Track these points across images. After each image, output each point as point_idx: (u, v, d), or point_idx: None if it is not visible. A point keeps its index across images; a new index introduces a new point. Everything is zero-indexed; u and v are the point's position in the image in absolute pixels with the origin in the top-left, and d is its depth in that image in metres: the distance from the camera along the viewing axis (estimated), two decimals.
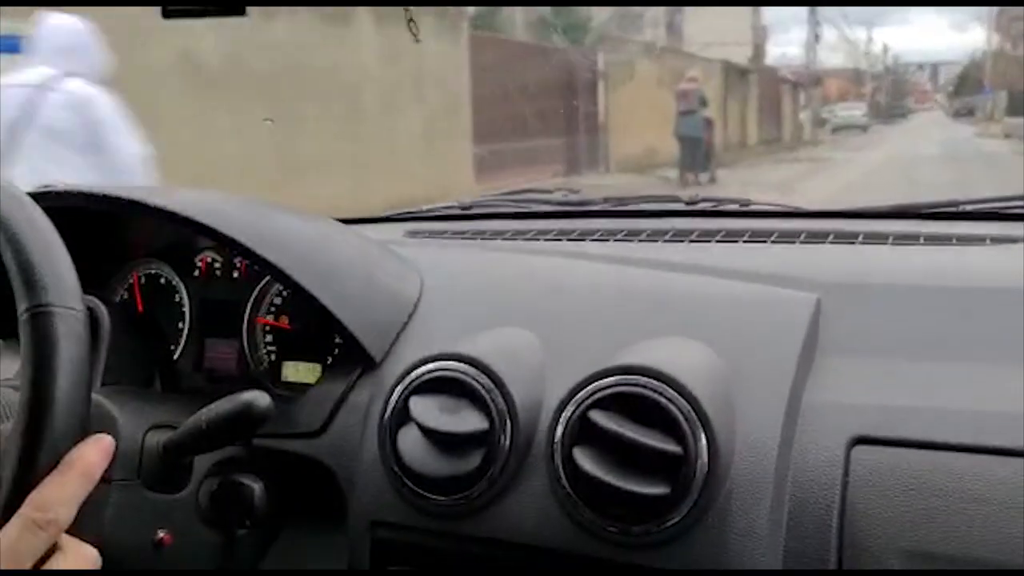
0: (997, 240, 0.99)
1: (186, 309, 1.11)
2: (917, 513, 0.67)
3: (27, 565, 0.51)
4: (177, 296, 1.13)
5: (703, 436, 0.69)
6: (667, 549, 0.70)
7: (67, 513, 0.55)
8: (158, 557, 0.82)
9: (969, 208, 1.13)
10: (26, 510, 0.53)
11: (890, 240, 1.03)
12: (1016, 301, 0.82)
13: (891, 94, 62.69)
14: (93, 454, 0.58)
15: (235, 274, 1.10)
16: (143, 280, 1.15)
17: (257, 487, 0.86)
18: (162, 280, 1.14)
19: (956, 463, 0.68)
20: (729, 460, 0.70)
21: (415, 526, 0.79)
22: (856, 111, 38.81)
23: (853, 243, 1.03)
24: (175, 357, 1.08)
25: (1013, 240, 0.99)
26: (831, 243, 1.04)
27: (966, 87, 54.25)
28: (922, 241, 1.01)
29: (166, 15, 0.96)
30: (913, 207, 1.17)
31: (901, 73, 71.41)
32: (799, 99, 33.64)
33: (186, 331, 1.11)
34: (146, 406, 0.87)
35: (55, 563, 0.55)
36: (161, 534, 0.84)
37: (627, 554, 0.71)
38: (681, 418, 0.69)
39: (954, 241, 1.01)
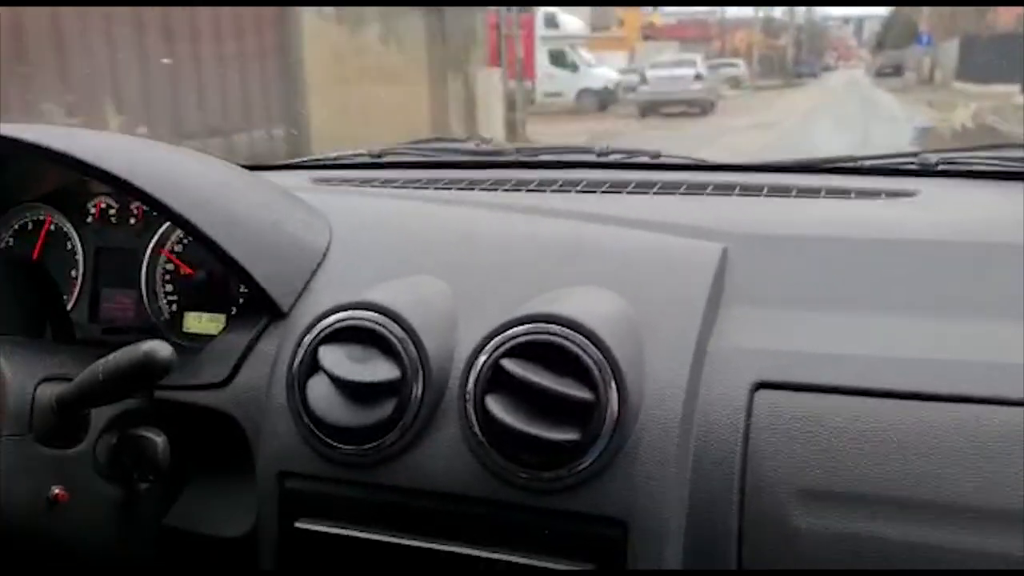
0: (891, 194, 1.04)
1: (79, 257, 1.06)
2: (814, 453, 0.70)
3: None
4: (69, 243, 1.07)
5: (613, 383, 0.70)
6: (577, 493, 0.71)
7: None
8: (53, 514, 0.78)
9: (867, 164, 1.17)
10: None
11: (793, 193, 1.06)
12: (907, 252, 0.86)
13: (807, 49, 56.47)
14: None
15: (132, 220, 1.05)
16: (30, 226, 1.08)
17: (160, 440, 0.83)
18: (52, 227, 1.08)
19: (852, 406, 0.71)
20: (638, 406, 0.72)
21: (325, 476, 0.78)
22: (732, 69, 29.52)
23: (758, 195, 1.06)
24: (69, 307, 1.03)
25: (906, 194, 1.03)
26: (737, 195, 1.07)
27: (893, 37, 43.55)
28: (823, 194, 1.05)
29: None
30: (814, 162, 1.21)
31: (819, 26, 63.94)
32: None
33: (80, 280, 1.06)
34: (37, 357, 0.83)
35: None
36: (56, 490, 0.80)
37: (539, 498, 0.72)
38: (592, 366, 0.70)
39: (852, 195, 1.04)
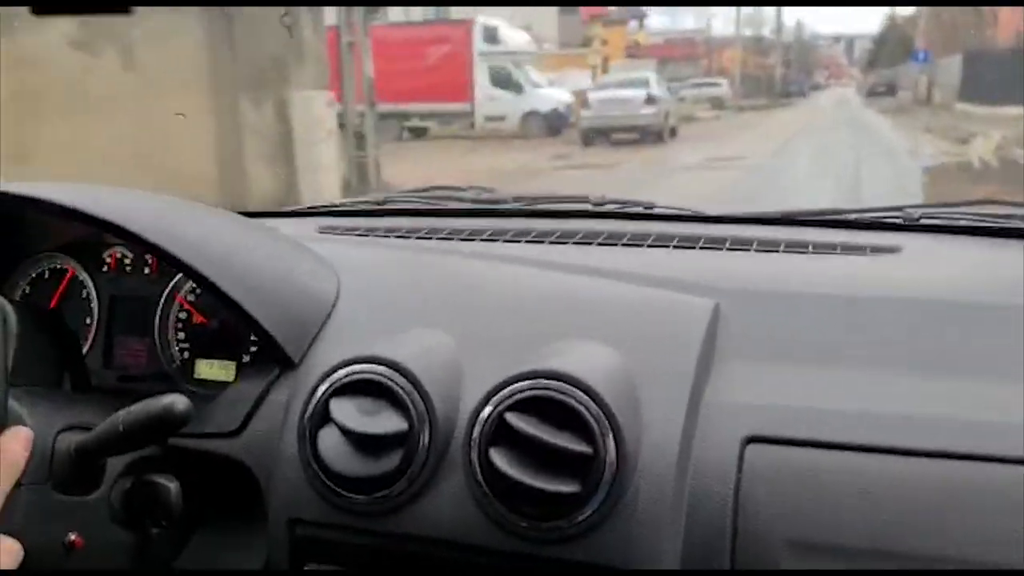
0: (877, 250, 1.08)
1: (95, 305, 1.09)
2: (803, 506, 0.73)
3: None
4: (84, 292, 1.10)
5: (611, 437, 0.74)
6: (577, 543, 0.75)
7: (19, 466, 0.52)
8: (69, 560, 0.81)
9: (852, 217, 1.22)
10: None
11: (781, 247, 1.10)
12: (893, 309, 0.90)
13: (797, 68, 53.79)
14: (15, 444, 0.55)
15: (146, 270, 1.09)
16: (47, 275, 1.12)
17: (173, 486, 0.86)
18: (68, 276, 1.11)
19: (840, 460, 0.75)
20: (635, 459, 0.76)
21: (334, 523, 0.81)
22: (714, 89, 29.61)
23: (748, 250, 1.10)
24: (84, 354, 1.06)
25: (891, 250, 1.08)
26: (728, 250, 1.11)
27: (886, 55, 41.85)
28: (810, 249, 1.09)
29: (37, 12, 0.92)
30: (801, 214, 1.26)
31: (808, 44, 61.48)
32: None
33: (94, 327, 1.09)
34: (56, 407, 0.86)
35: None
36: (72, 536, 0.83)
37: (540, 548, 0.75)
38: (591, 420, 0.74)
39: (839, 250, 1.09)
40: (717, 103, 28.82)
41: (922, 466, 0.73)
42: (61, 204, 0.87)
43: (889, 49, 42.40)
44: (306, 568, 0.82)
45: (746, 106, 31.19)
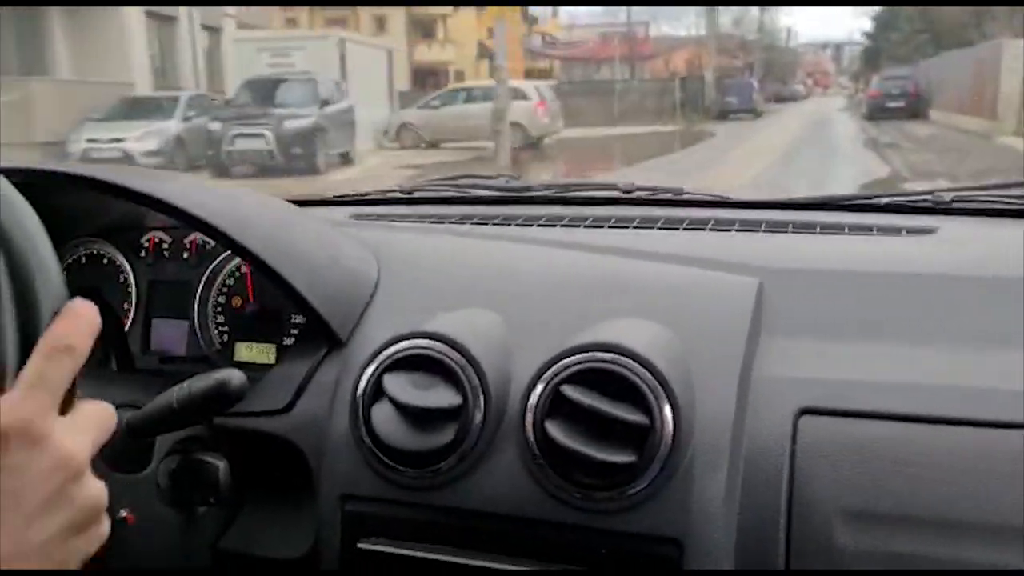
0: (912, 231, 1.09)
1: (132, 289, 1.10)
2: (857, 476, 0.74)
3: (59, 393, 0.49)
4: (122, 276, 1.11)
5: (668, 408, 0.74)
6: (632, 513, 0.75)
7: (83, 343, 0.51)
8: (121, 535, 0.81)
9: (883, 201, 1.23)
10: (42, 344, 0.50)
11: (817, 229, 1.11)
12: (933, 286, 0.91)
13: (763, 72, 42.21)
14: (83, 306, 0.53)
15: (185, 255, 1.09)
16: (83, 259, 1.12)
17: (221, 465, 0.87)
18: (105, 260, 1.12)
19: (891, 430, 0.75)
20: (690, 431, 0.76)
21: (387, 498, 0.81)
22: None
23: (784, 232, 1.11)
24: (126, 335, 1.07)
25: (926, 231, 1.09)
26: (764, 232, 1.12)
27: (904, 49, 29.24)
28: (847, 231, 1.10)
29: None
30: (834, 199, 1.26)
31: (778, 44, 50.02)
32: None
33: (133, 311, 1.09)
34: (105, 385, 0.87)
35: (75, 410, 0.52)
36: (124, 513, 0.84)
37: (596, 519, 0.76)
38: (647, 391, 0.74)
39: (875, 231, 1.09)
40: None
41: (972, 435, 0.74)
42: (120, 184, 0.88)
43: (906, 36, 26.97)
44: (359, 545, 0.82)
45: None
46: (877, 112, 22.74)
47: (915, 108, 22.58)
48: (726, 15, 39.75)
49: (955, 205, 1.18)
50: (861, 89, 38.44)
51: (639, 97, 27.33)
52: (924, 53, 27.51)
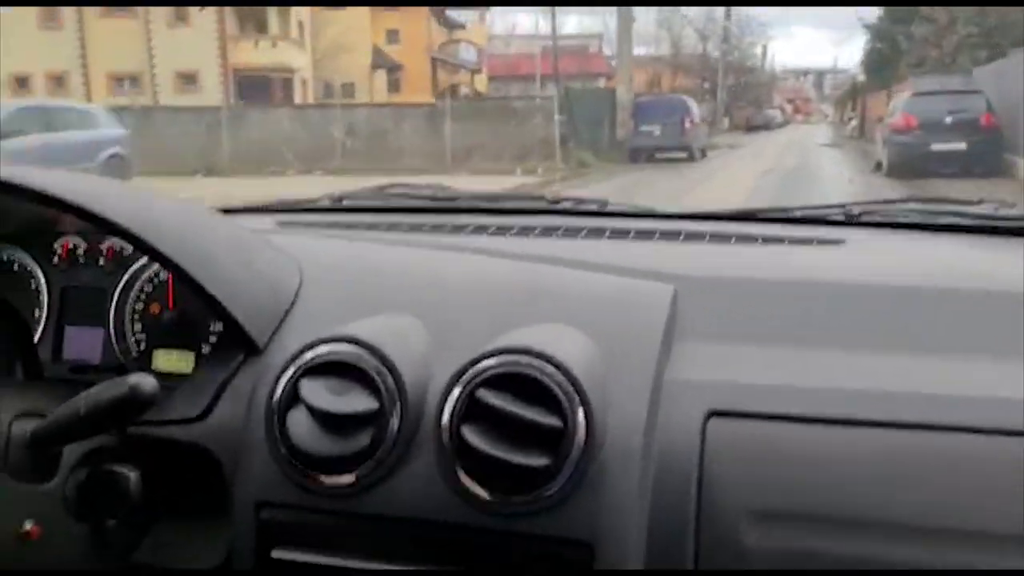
0: (822, 242, 1.13)
1: (43, 296, 1.07)
2: (764, 477, 0.76)
3: None
4: (33, 282, 1.08)
5: (581, 411, 0.75)
6: (546, 516, 0.76)
7: None
8: (25, 550, 0.79)
9: (797, 214, 1.28)
10: None
11: (733, 240, 1.15)
12: (840, 293, 0.95)
13: (731, 97, 38.54)
14: None
15: (100, 260, 1.07)
16: None
17: (132, 476, 0.85)
18: (16, 266, 1.09)
19: (795, 432, 0.78)
20: (603, 434, 0.77)
21: (303, 505, 0.81)
22: None
23: (702, 242, 1.15)
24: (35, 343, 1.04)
25: (835, 242, 1.13)
26: (682, 241, 1.15)
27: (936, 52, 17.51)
28: (760, 241, 1.14)
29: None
30: (749, 211, 1.31)
31: (747, 64, 44.10)
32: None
33: (43, 319, 1.06)
34: (9, 394, 0.84)
35: None
36: (28, 526, 0.81)
37: (511, 522, 0.76)
38: (561, 394, 0.75)
39: (787, 242, 1.14)
40: None
41: (873, 436, 0.77)
42: (22, 184, 0.85)
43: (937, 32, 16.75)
44: (273, 555, 0.81)
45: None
46: (915, 161, 11.83)
47: (989, 154, 11.66)
48: (689, 30, 35.67)
49: (864, 218, 1.23)
50: (853, 116, 28.89)
51: (493, 126, 16.82)
52: (974, 58, 15.53)
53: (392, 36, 26.29)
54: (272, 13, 24.85)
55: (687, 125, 17.84)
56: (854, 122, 28.73)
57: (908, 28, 19.92)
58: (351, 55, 25.40)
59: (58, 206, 0.85)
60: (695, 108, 19.39)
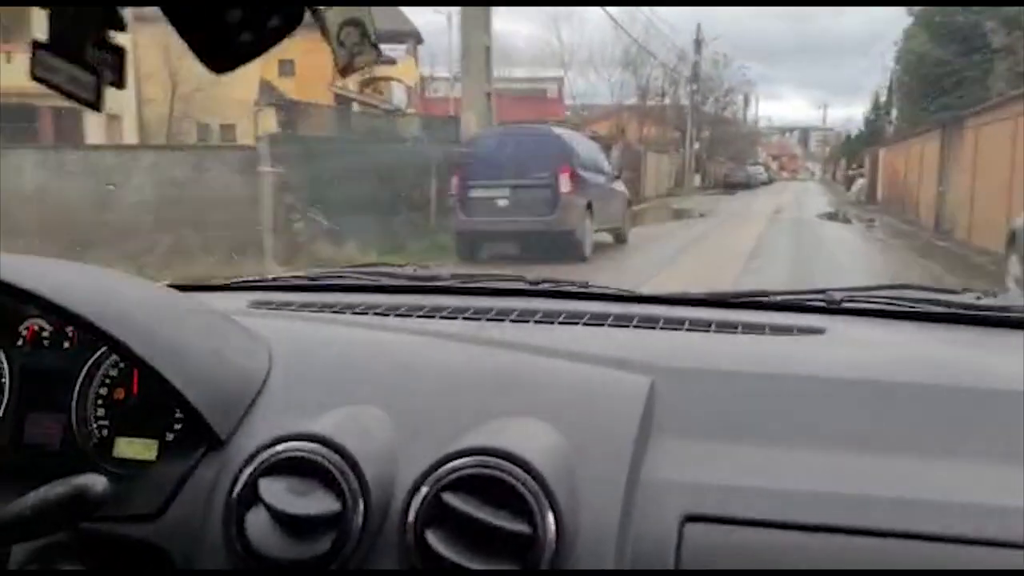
0: (802, 331, 1.12)
1: (5, 380, 1.04)
2: None
3: None
4: None
5: (551, 516, 0.72)
6: None
7: None
8: None
9: (777, 299, 1.26)
10: None
11: (712, 327, 1.13)
12: (821, 388, 0.93)
13: (708, 154, 34.68)
14: None
15: (65, 344, 1.04)
16: None
17: None
18: None
19: (777, 539, 0.75)
20: (575, 537, 0.74)
21: None
22: None
23: (680, 329, 1.13)
24: None
25: (816, 331, 1.12)
26: (661, 328, 1.13)
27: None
28: (740, 330, 1.12)
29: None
30: (728, 295, 1.30)
31: (735, 121, 41.12)
32: None
33: (4, 404, 1.03)
34: None
35: None
36: None
37: None
38: (530, 498, 0.72)
39: (767, 331, 1.12)
40: None
41: (853, 544, 0.74)
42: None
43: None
44: None
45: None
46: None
47: None
48: (657, 70, 30.80)
49: (845, 305, 1.22)
50: (857, 173, 22.95)
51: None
52: None
53: (285, 67, 20.91)
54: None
55: (562, 188, 9.47)
56: (861, 182, 21.42)
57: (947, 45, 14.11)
58: (229, 88, 16.71)
59: (21, 297, 0.83)
60: (592, 152, 11.25)
